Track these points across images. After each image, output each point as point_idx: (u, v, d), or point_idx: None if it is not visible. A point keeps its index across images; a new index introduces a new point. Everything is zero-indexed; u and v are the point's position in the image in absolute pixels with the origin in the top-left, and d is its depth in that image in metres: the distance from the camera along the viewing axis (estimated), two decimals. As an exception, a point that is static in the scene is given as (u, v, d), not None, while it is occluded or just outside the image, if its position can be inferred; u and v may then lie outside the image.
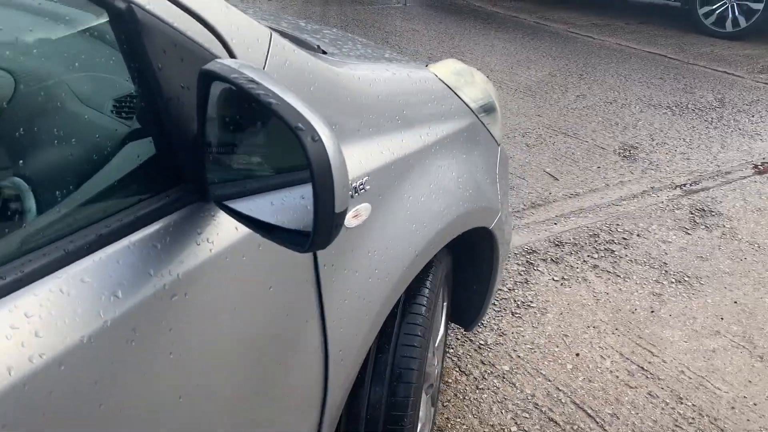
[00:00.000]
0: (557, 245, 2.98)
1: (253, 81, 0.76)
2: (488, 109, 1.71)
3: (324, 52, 1.31)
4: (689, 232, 3.16)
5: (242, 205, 0.83)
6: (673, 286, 2.71)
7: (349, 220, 1.14)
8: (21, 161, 0.90)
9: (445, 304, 1.81)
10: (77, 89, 1.05)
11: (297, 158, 0.76)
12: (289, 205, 0.81)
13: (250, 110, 0.81)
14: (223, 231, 0.91)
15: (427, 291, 1.44)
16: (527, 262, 2.83)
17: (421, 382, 1.42)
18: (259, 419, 1.05)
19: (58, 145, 0.93)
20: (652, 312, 2.54)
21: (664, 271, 2.81)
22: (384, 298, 1.24)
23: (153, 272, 0.82)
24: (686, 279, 2.76)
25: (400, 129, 1.29)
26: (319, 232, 0.74)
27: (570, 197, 3.46)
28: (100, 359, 0.74)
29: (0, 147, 0.93)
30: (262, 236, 0.84)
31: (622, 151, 4.11)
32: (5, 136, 0.94)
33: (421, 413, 1.55)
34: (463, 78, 1.61)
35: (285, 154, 0.87)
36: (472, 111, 1.59)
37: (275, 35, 1.00)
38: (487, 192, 1.61)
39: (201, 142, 0.84)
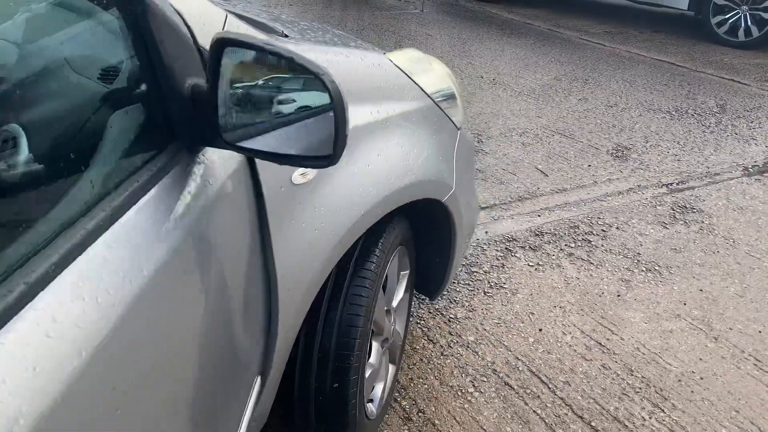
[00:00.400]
0: (537, 235, 3.15)
1: (269, 43, 0.99)
2: (447, 95, 1.91)
3: (286, 36, 1.52)
4: (667, 226, 3.31)
5: (257, 143, 1.05)
6: (643, 274, 2.87)
7: (296, 178, 1.35)
8: (20, 114, 1.12)
9: (406, 272, 2.00)
10: (70, 58, 1.27)
11: (299, 102, 1.01)
12: (298, 137, 1.04)
13: (259, 67, 1.05)
14: (216, 173, 1.12)
15: (377, 251, 1.64)
16: (506, 248, 3.01)
17: (368, 328, 1.61)
18: (231, 338, 1.24)
19: (55, 104, 1.15)
20: (618, 296, 2.70)
21: (636, 261, 2.97)
22: (330, 249, 1.44)
23: (187, 208, 0.99)
24: (656, 268, 2.92)
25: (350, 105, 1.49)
26: (338, 148, 0.97)
27: (557, 192, 3.62)
28: (171, 283, 0.94)
29: (4, 100, 1.16)
30: (281, 164, 1.07)
31: (614, 151, 4.26)
32: (11, 93, 1.16)
33: (372, 360, 1.75)
34: (419, 65, 1.81)
35: (288, 99, 1.10)
36: (428, 95, 1.78)
37: (230, 17, 1.21)
38: (440, 168, 1.81)
39: (213, 98, 1.03)
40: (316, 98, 0.99)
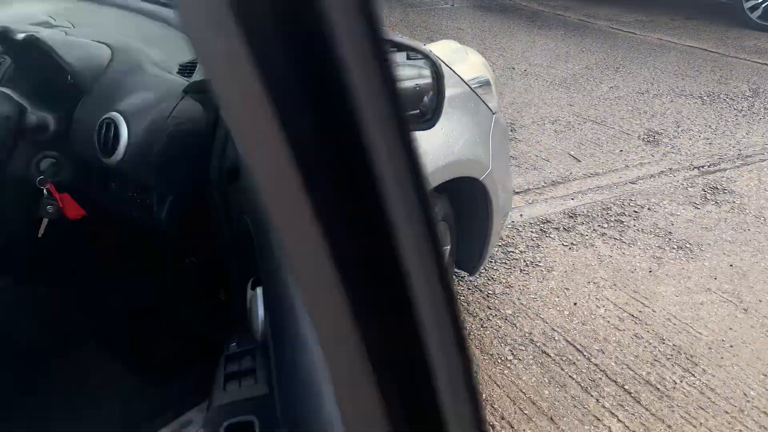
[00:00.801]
0: (571, 217, 3.28)
1: (390, 37, 1.20)
2: (482, 82, 2.06)
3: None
4: (698, 206, 3.40)
5: None
6: (674, 251, 2.98)
7: (351, 156, 1.52)
8: (119, 103, 1.31)
9: (447, 247, 2.16)
10: (153, 56, 1.46)
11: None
12: None
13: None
14: None
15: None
16: (540, 230, 3.15)
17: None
18: None
19: (144, 93, 1.34)
20: (650, 272, 2.81)
21: (667, 239, 3.07)
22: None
23: None
24: (688, 246, 3.02)
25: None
26: (437, 112, 1.15)
27: (589, 176, 3.74)
28: None
29: (104, 92, 1.35)
30: None
31: (646, 136, 4.35)
32: (108, 86, 1.36)
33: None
34: (456, 55, 1.96)
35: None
36: (465, 82, 1.94)
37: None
38: (477, 149, 1.96)
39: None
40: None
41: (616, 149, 4.13)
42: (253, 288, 0.87)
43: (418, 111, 1.21)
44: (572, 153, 4.04)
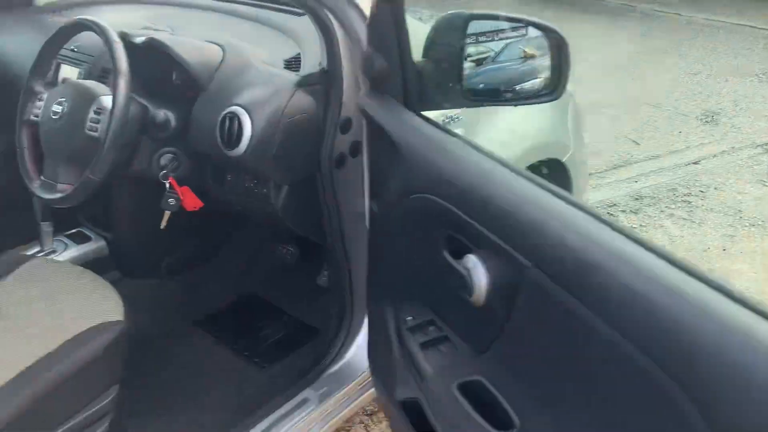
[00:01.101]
0: (637, 199, 3.28)
1: (507, 14, 1.24)
2: (559, 65, 2.09)
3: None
4: (766, 184, 3.36)
5: (490, 96, 1.30)
6: (746, 228, 2.95)
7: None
8: (237, 98, 1.37)
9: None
10: (258, 54, 1.53)
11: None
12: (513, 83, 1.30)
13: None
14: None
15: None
16: (607, 213, 3.15)
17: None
18: None
19: (259, 88, 1.40)
20: (724, 250, 2.80)
21: (738, 218, 3.05)
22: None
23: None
24: (760, 223, 2.99)
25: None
26: (562, 84, 1.18)
27: (651, 159, 3.72)
28: None
29: (220, 89, 1.42)
30: (515, 106, 1.30)
31: (704, 117, 4.30)
32: (224, 84, 1.43)
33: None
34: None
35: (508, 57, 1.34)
36: (545, 65, 1.97)
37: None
38: (559, 130, 1.99)
39: (460, 60, 1.21)
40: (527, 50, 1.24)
41: (675, 131, 4.09)
42: (456, 258, 0.90)
43: (535, 84, 1.24)
44: (631, 137, 4.02)
